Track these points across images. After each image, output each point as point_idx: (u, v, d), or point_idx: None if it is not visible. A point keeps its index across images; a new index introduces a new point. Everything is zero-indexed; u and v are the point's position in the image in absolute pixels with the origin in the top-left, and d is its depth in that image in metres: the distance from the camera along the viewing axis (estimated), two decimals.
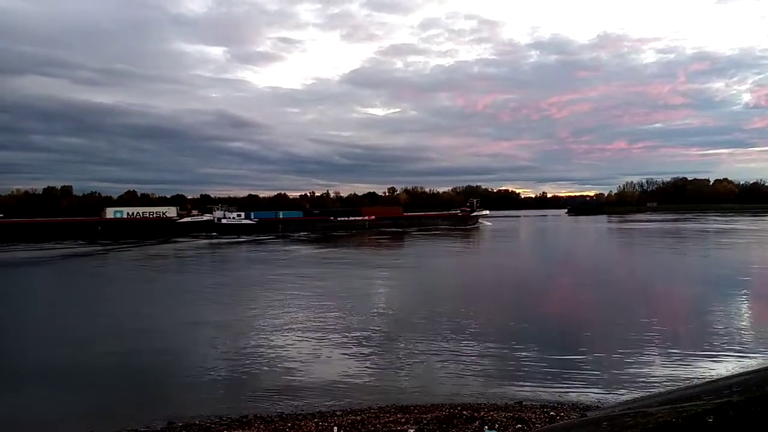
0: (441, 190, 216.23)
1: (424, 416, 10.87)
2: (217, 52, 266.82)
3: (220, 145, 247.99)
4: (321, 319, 21.40)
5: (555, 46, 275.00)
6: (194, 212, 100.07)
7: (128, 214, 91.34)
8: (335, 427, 10.26)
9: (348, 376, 14.50)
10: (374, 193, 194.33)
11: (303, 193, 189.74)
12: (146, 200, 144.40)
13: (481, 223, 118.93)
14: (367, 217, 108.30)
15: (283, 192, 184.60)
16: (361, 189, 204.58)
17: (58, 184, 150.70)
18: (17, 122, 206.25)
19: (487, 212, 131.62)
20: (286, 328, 20.08)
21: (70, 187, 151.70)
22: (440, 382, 13.94)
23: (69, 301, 27.96)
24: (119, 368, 15.60)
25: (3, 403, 12.97)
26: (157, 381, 14.65)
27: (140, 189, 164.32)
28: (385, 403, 12.31)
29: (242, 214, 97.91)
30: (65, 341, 18.82)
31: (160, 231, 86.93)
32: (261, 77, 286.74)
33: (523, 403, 12.06)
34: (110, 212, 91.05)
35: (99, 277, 39.78)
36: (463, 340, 17.80)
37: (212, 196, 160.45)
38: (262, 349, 17.14)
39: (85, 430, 10.95)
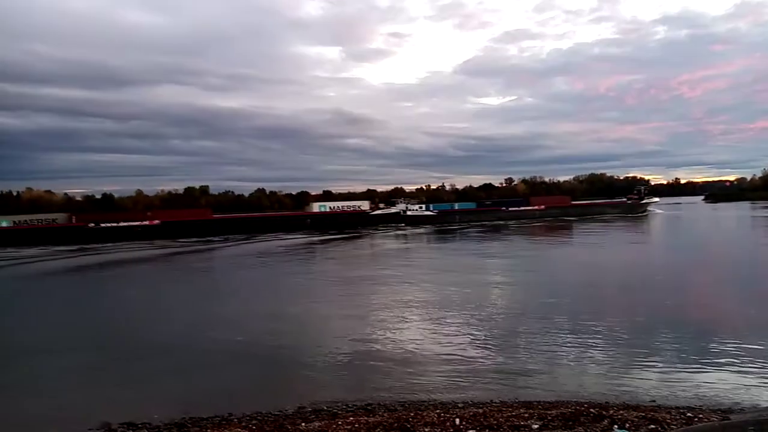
0: (562, 179, 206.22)
1: (549, 412, 10.62)
2: (333, 52, 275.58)
3: (338, 142, 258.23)
4: (457, 309, 21.87)
5: (685, 20, 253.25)
6: (381, 205, 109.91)
7: (330, 207, 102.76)
8: (457, 419, 10.31)
9: (470, 368, 14.55)
10: (490, 184, 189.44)
11: (419, 187, 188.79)
12: (274, 197, 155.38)
13: (651, 211, 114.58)
14: (537, 207, 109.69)
15: (399, 186, 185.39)
16: (477, 180, 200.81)
17: (197, 184, 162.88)
18: (158, 129, 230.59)
19: (657, 200, 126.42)
20: (424, 315, 20.85)
21: (207, 186, 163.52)
22: (566, 377, 13.58)
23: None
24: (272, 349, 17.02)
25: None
26: (294, 365, 15.63)
27: (268, 187, 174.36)
28: (507, 398, 12.20)
29: (423, 206, 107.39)
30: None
31: (357, 222, 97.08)
32: (374, 74, 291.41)
33: (656, 402, 11.45)
34: (316, 206, 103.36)
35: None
36: (594, 334, 17.25)
37: (333, 191, 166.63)
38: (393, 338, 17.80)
39: (223, 409, 11.90)
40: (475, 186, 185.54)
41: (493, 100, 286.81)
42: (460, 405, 11.75)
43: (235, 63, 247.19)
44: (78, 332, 21.15)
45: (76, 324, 22.91)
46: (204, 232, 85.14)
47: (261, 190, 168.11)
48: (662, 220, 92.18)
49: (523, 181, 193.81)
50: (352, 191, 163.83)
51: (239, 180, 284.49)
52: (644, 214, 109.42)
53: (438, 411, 11.28)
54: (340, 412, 11.60)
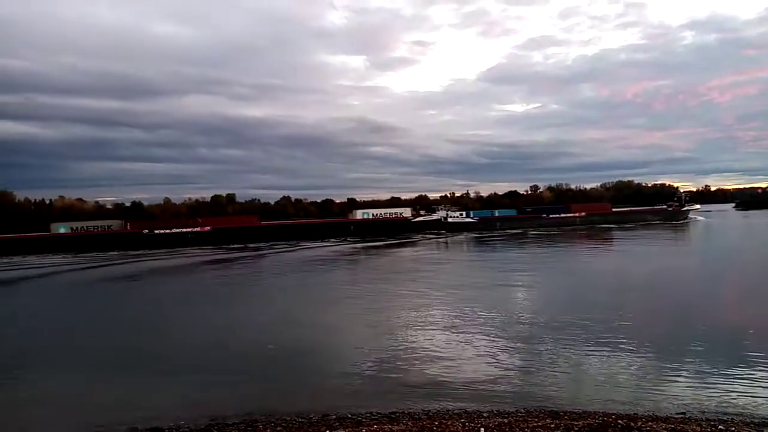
0: (588, 186, 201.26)
1: (575, 423, 10.44)
2: (357, 61, 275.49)
3: (362, 150, 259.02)
4: (482, 316, 21.71)
5: (714, 25, 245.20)
6: (422, 212, 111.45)
7: (373, 214, 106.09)
8: (482, 429, 10.24)
9: (496, 377, 14.40)
10: (515, 191, 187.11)
11: (443, 194, 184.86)
12: (299, 205, 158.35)
13: (693, 218, 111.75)
14: (577, 214, 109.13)
15: (423, 194, 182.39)
16: (501, 188, 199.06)
17: (223, 192, 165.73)
18: (186, 138, 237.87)
19: (698, 206, 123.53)
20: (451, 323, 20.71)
21: (234, 194, 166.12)
22: (593, 387, 13.29)
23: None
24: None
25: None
26: (319, 373, 15.76)
27: (293, 195, 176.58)
28: (533, 407, 12.05)
29: (463, 213, 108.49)
30: None
31: (399, 229, 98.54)
32: (398, 82, 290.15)
33: (686, 414, 11.09)
34: (359, 214, 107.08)
35: None
36: (621, 344, 16.79)
37: (358, 199, 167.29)
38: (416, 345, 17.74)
39: (248, 415, 12.16)
40: (500, 193, 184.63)
41: (518, 107, 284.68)
42: (485, 414, 11.66)
43: (260, 73, 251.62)
44: (117, 337, 21.82)
45: (117, 328, 23.73)
46: (252, 238, 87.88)
47: (286, 198, 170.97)
48: (704, 227, 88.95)
49: (549, 188, 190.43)
50: (376, 199, 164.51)
51: (264, 188, 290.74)
52: (685, 221, 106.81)
53: (463, 420, 11.24)
54: (364, 420, 11.69)
